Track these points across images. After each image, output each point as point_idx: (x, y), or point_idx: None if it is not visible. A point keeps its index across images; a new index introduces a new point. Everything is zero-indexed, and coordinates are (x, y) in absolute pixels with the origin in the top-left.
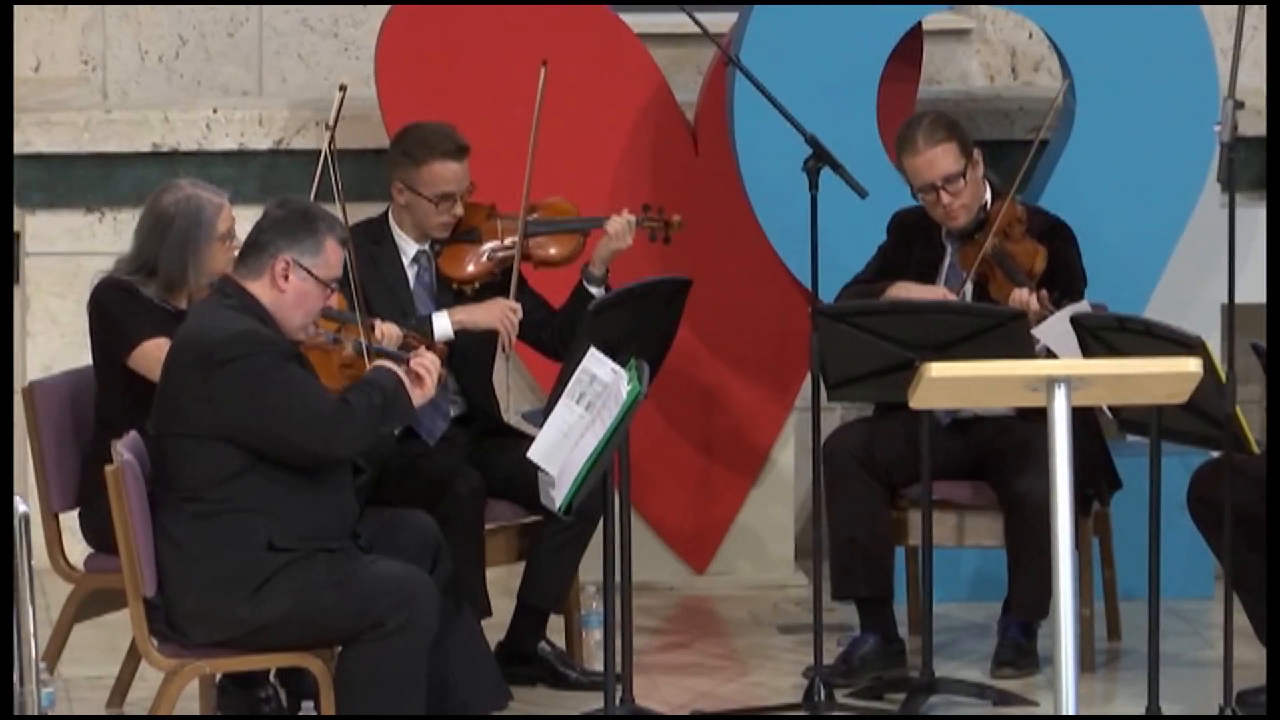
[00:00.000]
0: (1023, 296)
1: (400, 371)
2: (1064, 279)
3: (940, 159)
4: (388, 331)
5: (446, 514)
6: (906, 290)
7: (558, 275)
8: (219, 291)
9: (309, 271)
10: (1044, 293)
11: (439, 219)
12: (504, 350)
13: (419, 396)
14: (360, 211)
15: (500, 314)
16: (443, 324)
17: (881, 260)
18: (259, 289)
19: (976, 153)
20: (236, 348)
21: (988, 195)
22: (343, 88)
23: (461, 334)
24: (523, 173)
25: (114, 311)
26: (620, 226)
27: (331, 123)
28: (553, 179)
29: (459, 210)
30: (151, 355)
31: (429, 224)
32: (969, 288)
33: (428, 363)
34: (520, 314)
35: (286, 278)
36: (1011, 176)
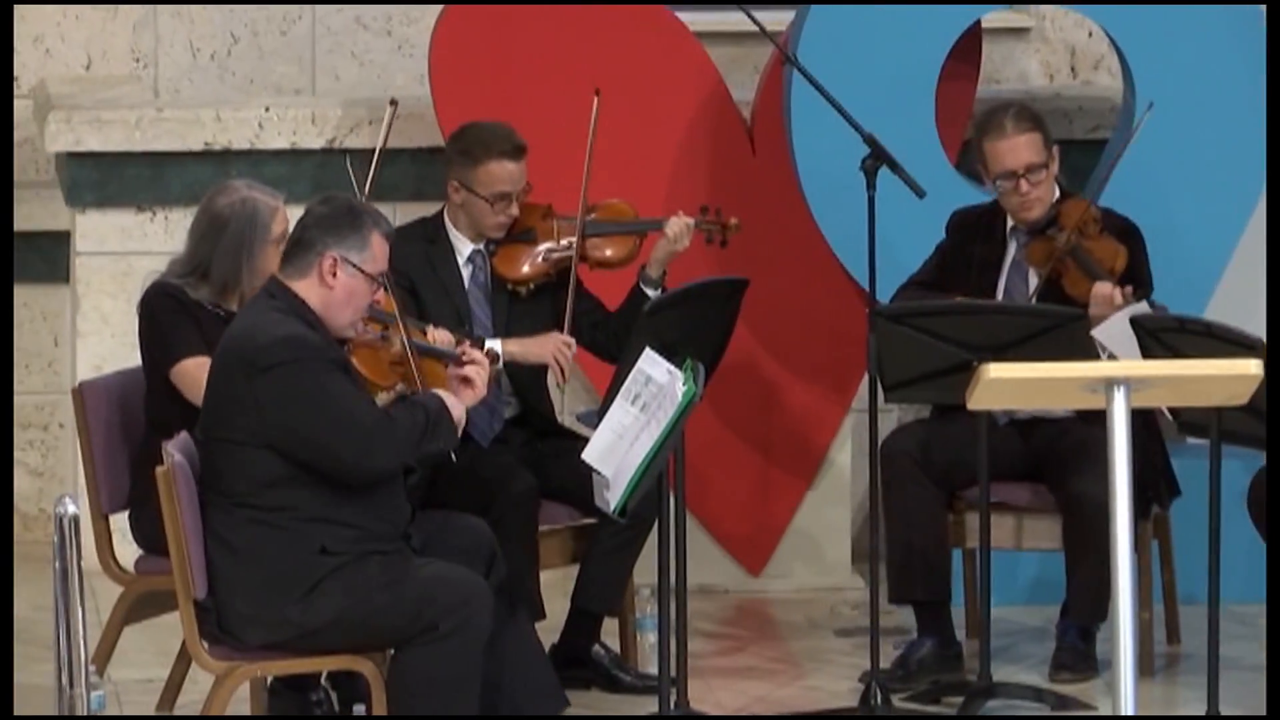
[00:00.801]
0: (1106, 290)
1: (445, 396)
2: (1136, 281)
3: (1026, 147)
4: (438, 337)
5: (500, 516)
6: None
7: (614, 277)
8: (266, 292)
9: (357, 267)
10: (1129, 289)
11: (495, 219)
12: (559, 386)
13: (470, 397)
14: (414, 211)
15: (553, 349)
16: (494, 351)
17: (940, 260)
18: (306, 288)
19: (1055, 149)
20: (281, 353)
21: (1056, 194)
22: (394, 103)
23: (511, 364)
24: (579, 173)
25: (161, 321)
26: (678, 229)
27: (381, 142)
28: (609, 179)
29: (515, 210)
30: (190, 374)
31: (485, 224)
32: (1033, 282)
33: (478, 361)
34: (574, 349)
35: (334, 275)
36: (1080, 176)
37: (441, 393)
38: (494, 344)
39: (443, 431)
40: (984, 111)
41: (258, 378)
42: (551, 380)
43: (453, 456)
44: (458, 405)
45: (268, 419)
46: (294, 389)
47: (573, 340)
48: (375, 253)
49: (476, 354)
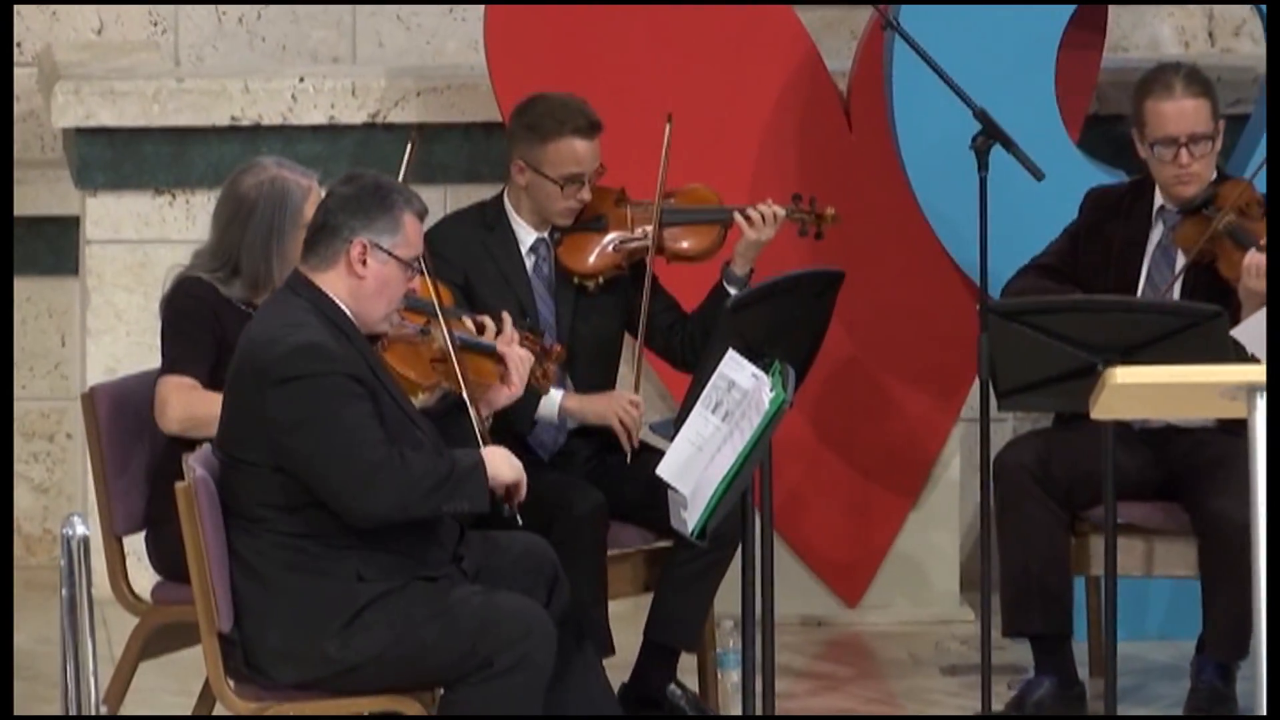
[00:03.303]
0: (1260, 259)
1: (490, 455)
2: None
3: (1195, 113)
4: (485, 325)
5: (564, 538)
6: None
7: (694, 271)
8: (288, 288)
9: (389, 253)
10: None
11: (564, 204)
12: (625, 451)
13: (506, 396)
14: (467, 194)
15: (618, 410)
16: (551, 403)
17: (1070, 243)
18: (332, 280)
19: (1220, 124)
20: (298, 365)
21: (1214, 174)
22: (418, 131)
23: (576, 372)
24: (654, 154)
25: (172, 325)
26: (764, 216)
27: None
28: (689, 160)
29: (586, 195)
30: (166, 392)
31: (552, 209)
32: (1181, 263)
33: (513, 358)
34: (642, 409)
35: (365, 263)
36: (1219, 156)
37: (489, 452)
38: (554, 397)
39: (467, 491)
40: (1151, 69)
41: (270, 391)
42: (624, 360)
43: (518, 520)
44: (504, 466)
45: (276, 438)
46: (303, 409)
47: (640, 400)
48: (408, 235)
49: (517, 349)
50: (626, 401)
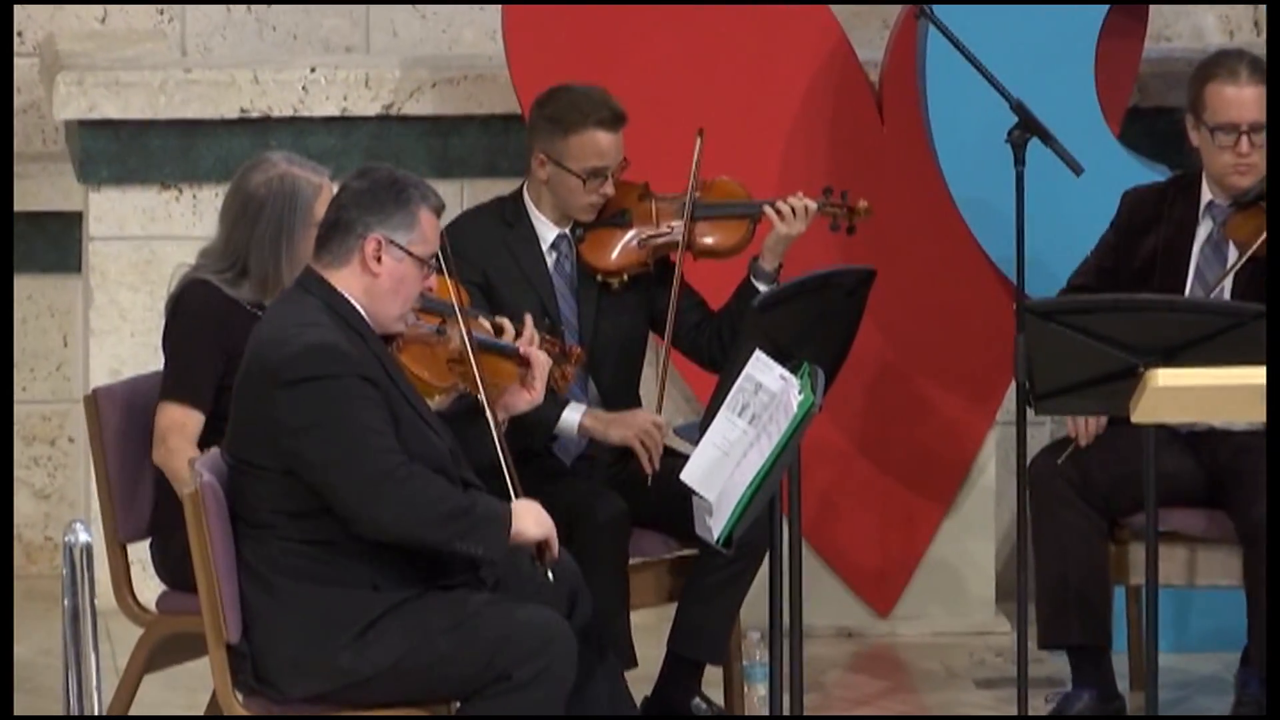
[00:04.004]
0: None
1: (520, 511)
2: None
3: (1258, 102)
4: (519, 328)
5: (585, 546)
6: None
7: (721, 268)
8: (299, 286)
9: (405, 250)
10: None
11: (586, 198)
12: (645, 474)
13: (526, 401)
14: (485, 189)
15: (638, 433)
16: (570, 422)
17: (1107, 253)
18: (346, 278)
19: None
20: (309, 366)
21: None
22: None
23: (597, 374)
24: (679, 146)
25: (178, 342)
26: (794, 209)
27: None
28: (717, 153)
29: (609, 189)
30: (167, 423)
31: (574, 203)
32: (1230, 260)
33: (537, 362)
34: (665, 431)
35: (379, 260)
36: None
37: (518, 505)
38: (572, 415)
39: (485, 536)
40: (1214, 53)
41: (279, 393)
42: (648, 361)
43: (550, 577)
44: (530, 523)
45: (282, 441)
46: (311, 412)
47: (663, 421)
48: (425, 231)
49: (538, 354)
50: (649, 423)
